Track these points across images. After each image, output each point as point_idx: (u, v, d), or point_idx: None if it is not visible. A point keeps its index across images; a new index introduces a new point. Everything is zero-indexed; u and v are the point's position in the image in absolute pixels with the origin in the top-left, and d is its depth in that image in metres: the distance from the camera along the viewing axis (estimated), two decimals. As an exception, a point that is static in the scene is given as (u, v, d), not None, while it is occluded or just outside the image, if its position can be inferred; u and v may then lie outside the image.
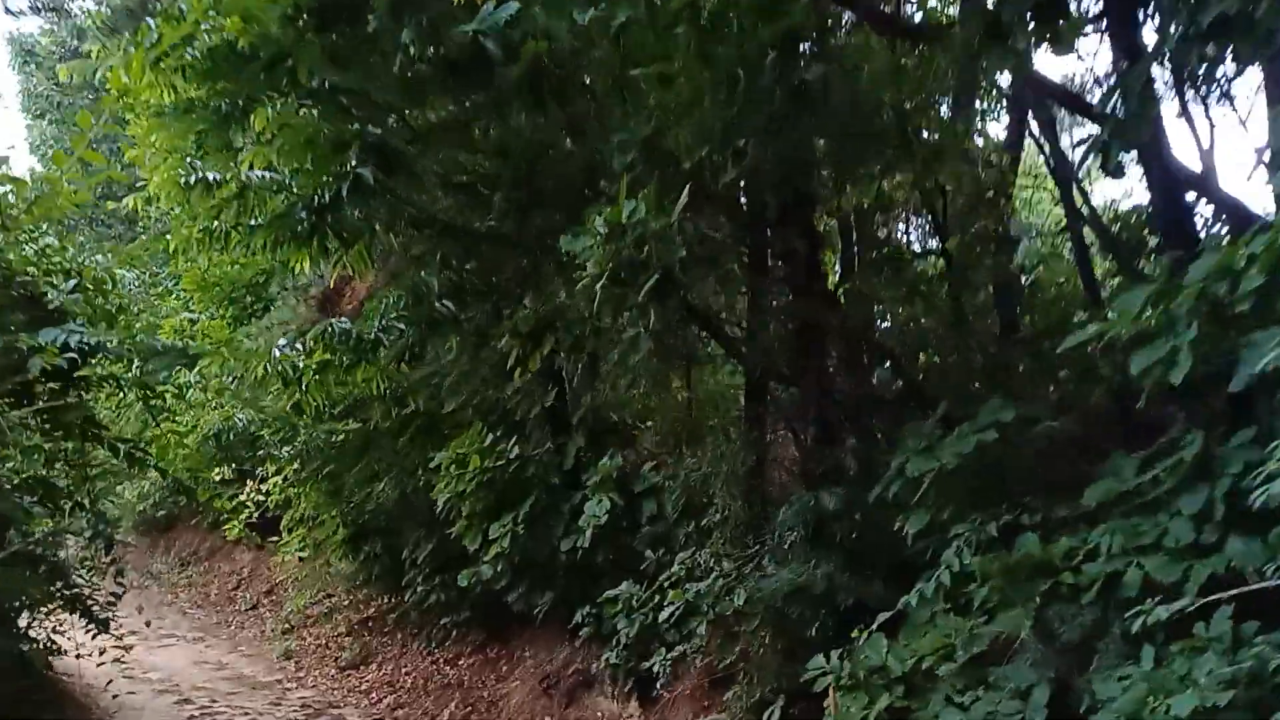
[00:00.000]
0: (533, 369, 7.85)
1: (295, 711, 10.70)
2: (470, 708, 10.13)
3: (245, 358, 5.81)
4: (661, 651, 7.47)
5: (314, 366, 5.73)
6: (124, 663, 12.78)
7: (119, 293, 6.67)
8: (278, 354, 5.50)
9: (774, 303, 6.86)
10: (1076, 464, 4.73)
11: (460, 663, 11.48)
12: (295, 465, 12.18)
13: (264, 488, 12.48)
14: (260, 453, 12.22)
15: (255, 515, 12.56)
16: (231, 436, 10.78)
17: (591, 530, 8.39)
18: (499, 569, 9.31)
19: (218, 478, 12.32)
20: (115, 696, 10.67)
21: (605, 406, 9.41)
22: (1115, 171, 4.39)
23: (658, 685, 7.59)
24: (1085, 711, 3.71)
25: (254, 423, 10.08)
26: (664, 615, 6.72)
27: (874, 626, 4.83)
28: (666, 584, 7.26)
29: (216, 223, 6.00)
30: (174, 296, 12.22)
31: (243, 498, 12.44)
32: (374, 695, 11.37)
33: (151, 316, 10.42)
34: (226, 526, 12.42)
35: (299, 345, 5.74)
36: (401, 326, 5.76)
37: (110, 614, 9.23)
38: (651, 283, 4.51)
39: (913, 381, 6.40)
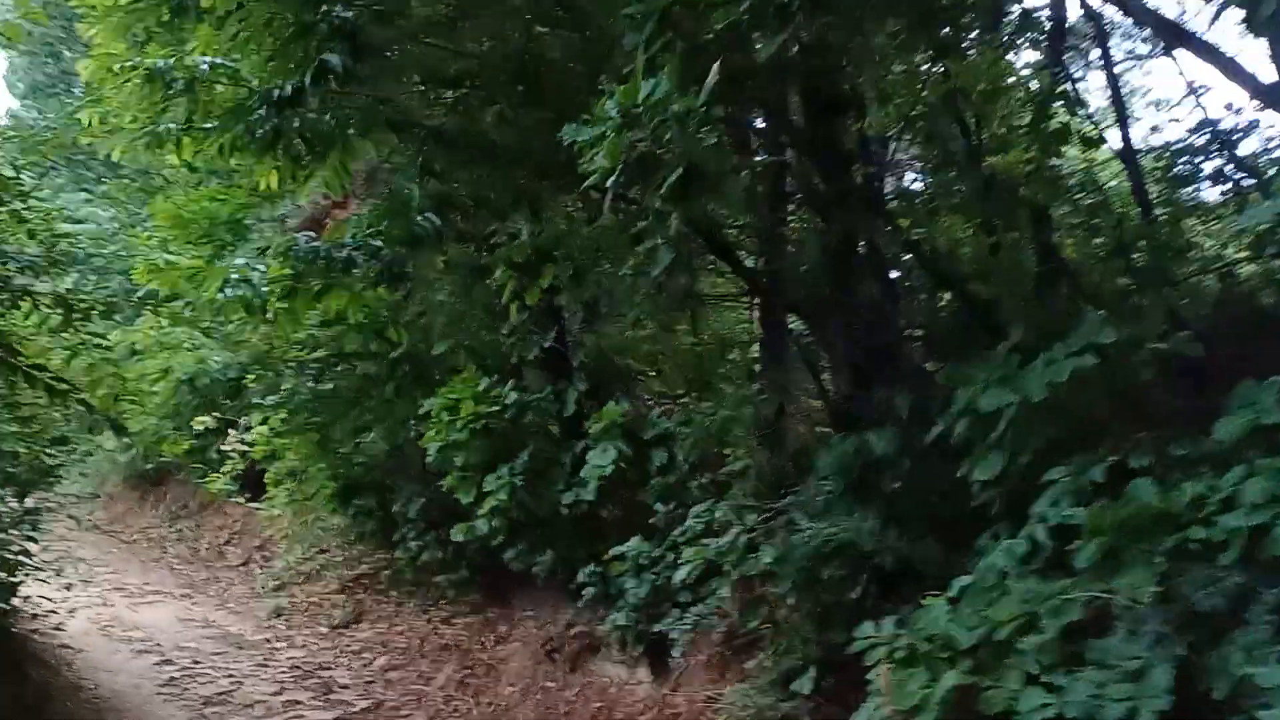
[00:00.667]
0: (531, 303, 6.97)
1: (283, 673, 9.98)
2: (468, 670, 9.41)
3: (193, 275, 4.94)
4: (675, 614, 6.70)
5: (278, 291, 4.88)
6: (102, 621, 12.11)
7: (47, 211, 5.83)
8: (233, 273, 4.63)
9: (802, 221, 5.99)
10: (1192, 394, 3.91)
11: (456, 623, 10.74)
12: (282, 416, 11.34)
13: (247, 438, 11.66)
14: (245, 402, 11.40)
15: (240, 468, 11.77)
16: (208, 380, 9.88)
17: (596, 482, 7.58)
18: (495, 524, 8.51)
19: (199, 428, 11.50)
20: (79, 652, 9.94)
21: (608, 349, 8.55)
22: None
23: (672, 651, 6.83)
24: (1228, 698, 2.93)
25: (231, 366, 9.16)
26: (679, 575, 5.92)
27: (946, 591, 4.00)
28: (681, 541, 6.46)
29: (164, 125, 5.12)
30: (148, 236, 11.34)
31: (225, 448, 11.63)
32: (366, 656, 10.64)
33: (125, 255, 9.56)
34: (207, 480, 11.63)
35: (260, 266, 4.91)
36: (378, 244, 4.90)
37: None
38: (674, 178, 3.64)
39: (971, 307, 5.53)
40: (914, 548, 4.53)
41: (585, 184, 3.82)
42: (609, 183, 3.67)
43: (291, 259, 4.84)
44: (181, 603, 13.12)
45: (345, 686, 9.53)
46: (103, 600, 12.92)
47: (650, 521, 7.27)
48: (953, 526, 4.77)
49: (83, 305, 4.98)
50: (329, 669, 10.22)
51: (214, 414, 11.80)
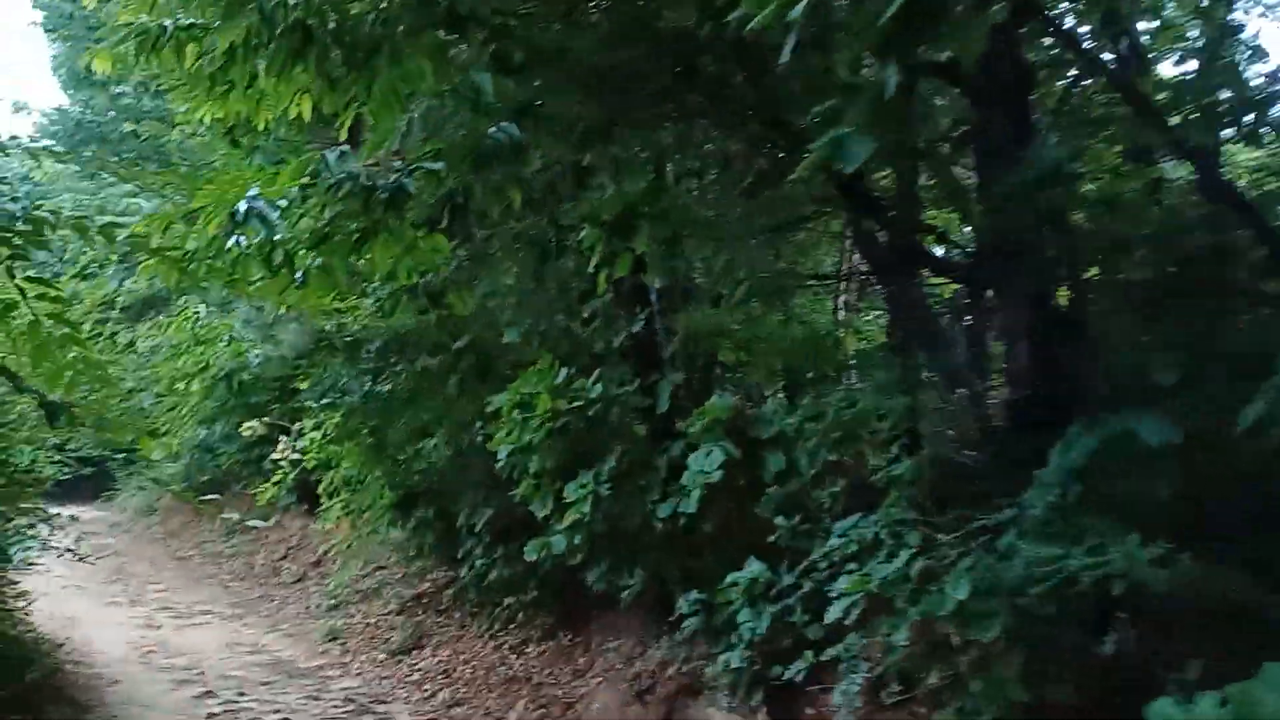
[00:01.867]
0: (622, 273, 5.62)
1: (335, 706, 8.72)
2: (542, 710, 8.03)
3: (191, 213, 3.68)
4: (807, 656, 5.24)
5: (307, 238, 3.64)
6: (144, 646, 11.04)
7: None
8: (243, 206, 3.35)
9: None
10: None
11: (528, 650, 9.38)
12: (334, 420, 10.14)
13: (299, 445, 10.51)
14: (297, 405, 10.25)
15: (291, 478, 10.63)
16: (248, 378, 8.71)
17: (700, 491, 6.16)
18: (576, 540, 7.13)
19: (247, 434, 10.37)
20: (113, 684, 8.80)
21: (707, 333, 7.14)
22: None
23: (804, 702, 5.38)
24: None
25: (272, 361, 7.98)
26: (834, 613, 4.46)
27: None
28: (823, 563, 5.02)
29: (155, 22, 3.91)
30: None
31: (277, 456, 10.49)
32: (427, 687, 9.34)
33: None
34: (257, 492, 10.50)
35: (281, 202, 3.65)
36: (437, 166, 3.60)
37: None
38: (896, 6, 2.25)
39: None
40: (1226, 581, 3.05)
41: (747, 22, 2.43)
42: (791, 17, 2.29)
43: (321, 189, 3.55)
44: (231, 624, 12.00)
45: (404, 725, 8.25)
46: (147, 621, 11.86)
47: (770, 541, 5.83)
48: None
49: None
50: (386, 702, 8.94)
51: (263, 419, 10.67)
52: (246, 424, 10.39)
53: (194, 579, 15.55)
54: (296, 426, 10.78)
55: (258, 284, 3.89)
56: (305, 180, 3.66)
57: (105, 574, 15.55)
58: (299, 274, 3.91)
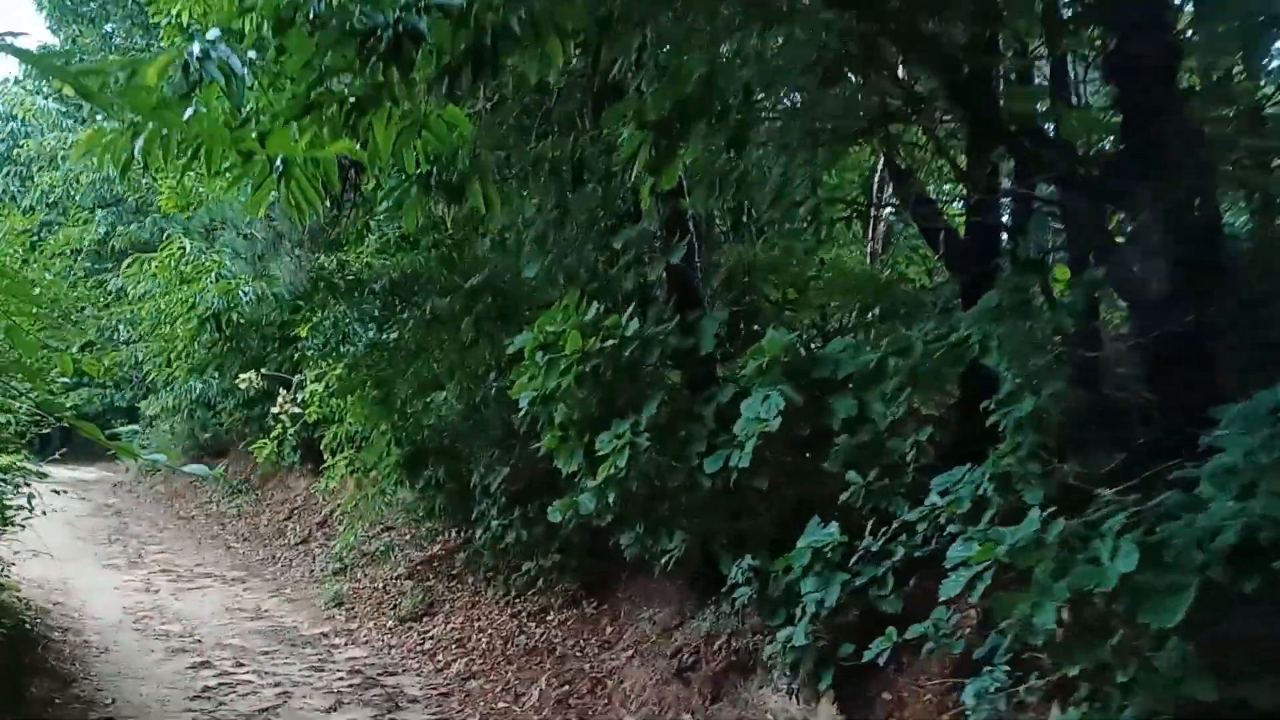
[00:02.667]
0: (667, 186, 4.70)
1: (340, 679, 7.95)
2: (567, 685, 7.24)
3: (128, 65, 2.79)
4: (890, 634, 4.40)
5: (285, 108, 2.74)
6: (140, 612, 10.29)
7: None
8: (196, 48, 2.43)
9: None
10: None
11: (549, 619, 8.60)
12: (337, 372, 9.28)
13: (299, 399, 9.67)
14: (294, 354, 9.40)
15: (290, 433, 9.78)
16: (240, 320, 7.80)
17: (754, 441, 5.29)
18: (609, 499, 6.26)
19: (244, 385, 9.52)
20: (103, 653, 8.05)
21: (756, 266, 6.24)
22: None
23: (878, 685, 4.56)
24: None
25: (265, 300, 7.05)
26: (951, 588, 3.60)
27: None
28: (921, 525, 4.16)
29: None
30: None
31: (276, 410, 9.64)
32: (439, 657, 8.57)
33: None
34: (254, 448, 9.66)
35: (250, 54, 2.74)
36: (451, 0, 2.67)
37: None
38: None
39: None
40: None
41: None
42: None
43: (300, 34, 2.64)
44: (232, 589, 11.24)
45: (415, 700, 7.45)
46: (146, 585, 11.10)
47: (841, 499, 4.97)
48: None
49: None
50: (395, 674, 8.17)
51: (260, 371, 9.81)
52: (244, 375, 9.53)
53: (196, 540, 14.80)
54: (297, 379, 9.93)
55: (226, 176, 3.00)
56: (282, 17, 2.73)
57: (105, 534, 14.83)
58: (277, 163, 3.00)
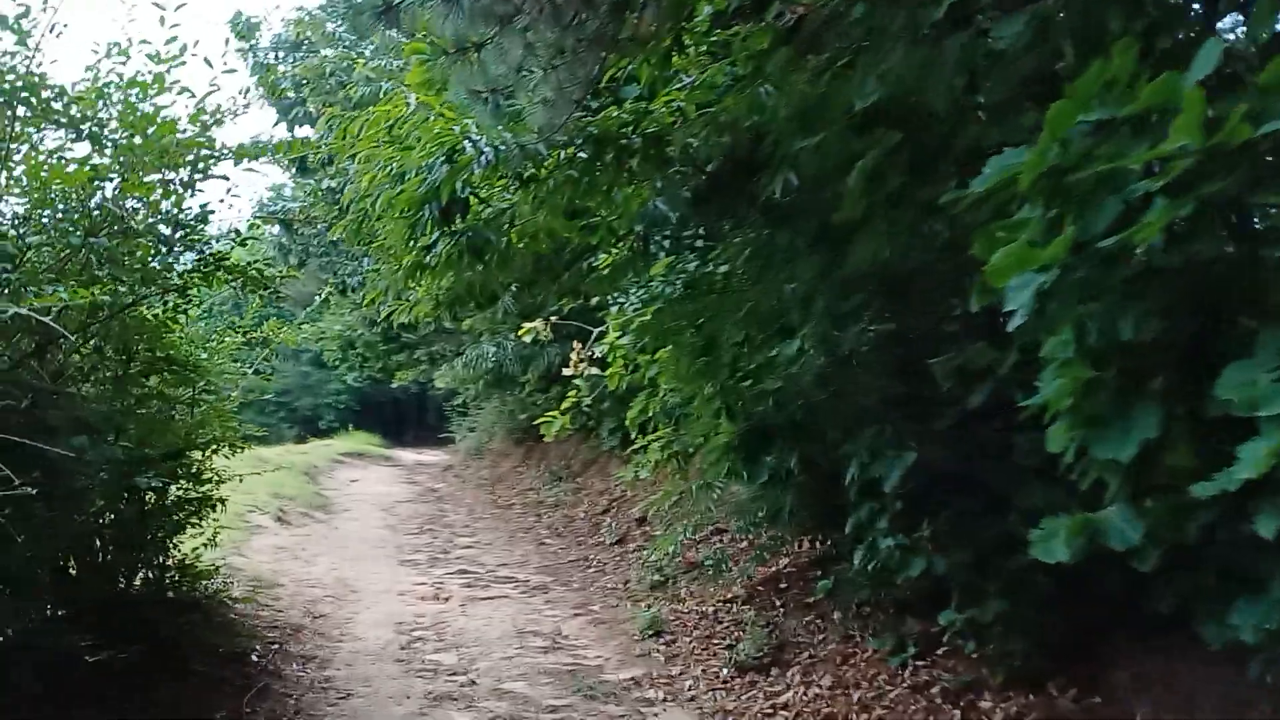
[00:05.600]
0: None
1: (657, 766, 5.04)
2: None
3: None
4: None
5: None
6: (412, 630, 8.15)
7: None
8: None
9: None
10: None
11: (982, 703, 5.07)
12: (645, 316, 6.41)
13: (596, 353, 6.95)
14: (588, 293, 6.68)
15: (587, 403, 7.08)
16: (471, 200, 4.81)
17: None
18: (1185, 525, 2.63)
19: (528, 339, 6.96)
20: (345, 699, 5.73)
21: None
22: None
23: None
24: None
25: (510, 156, 4.05)
26: None
27: None
28: None
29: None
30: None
31: (568, 372, 6.98)
32: (801, 744, 5.41)
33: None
34: (540, 421, 7.07)
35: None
36: None
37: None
38: None
39: None
40: None
41: None
42: None
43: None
44: (532, 600, 8.84)
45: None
46: (437, 590, 9.02)
47: None
48: None
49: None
50: (736, 770, 5.10)
51: (549, 319, 7.20)
52: (526, 326, 6.99)
53: (508, 533, 12.91)
54: (597, 331, 7.23)
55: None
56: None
57: (418, 523, 13.43)
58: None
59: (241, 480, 6.27)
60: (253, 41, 11.17)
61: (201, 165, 4.12)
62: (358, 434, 27.31)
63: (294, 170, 12.88)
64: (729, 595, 7.93)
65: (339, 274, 14.57)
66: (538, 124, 3.75)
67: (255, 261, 5.14)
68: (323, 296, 13.12)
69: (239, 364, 6.39)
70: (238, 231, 5.23)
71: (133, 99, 4.05)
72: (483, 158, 3.75)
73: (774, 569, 8.05)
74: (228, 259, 4.45)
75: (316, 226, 13.47)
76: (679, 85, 4.41)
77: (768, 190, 4.46)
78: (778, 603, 7.50)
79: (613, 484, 13.71)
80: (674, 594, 8.48)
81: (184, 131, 4.13)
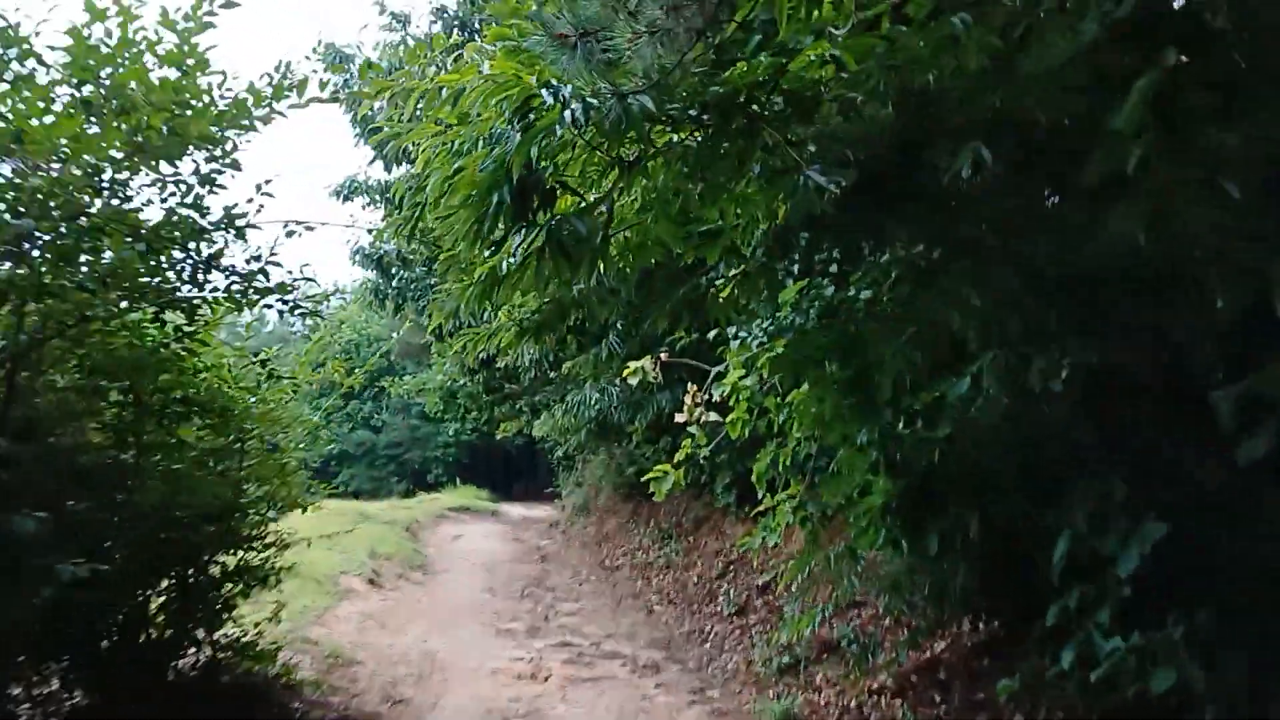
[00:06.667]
0: None
1: None
2: None
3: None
4: None
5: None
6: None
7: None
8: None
9: None
10: None
11: None
12: (774, 351, 5.27)
13: (715, 394, 5.85)
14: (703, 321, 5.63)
15: (704, 453, 5.96)
16: (543, 165, 3.67)
17: None
18: None
19: (633, 381, 5.92)
20: None
21: None
22: None
23: None
24: None
25: (607, 108, 3.04)
26: None
27: None
28: None
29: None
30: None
31: (681, 417, 5.90)
32: None
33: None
34: (650, 477, 5.97)
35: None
36: None
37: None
38: None
39: None
40: None
41: None
42: None
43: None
44: (642, 682, 7.66)
45: None
46: (535, 667, 7.94)
47: None
48: None
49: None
50: None
51: (658, 354, 6.15)
52: (632, 365, 5.95)
53: (615, 599, 11.77)
54: (715, 371, 6.12)
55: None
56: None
57: (520, 586, 12.42)
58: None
59: (332, 537, 5.40)
60: (345, 75, 10.74)
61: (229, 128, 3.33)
62: (466, 488, 26.79)
63: (387, 207, 12.39)
64: (875, 685, 6.58)
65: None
66: (643, 64, 2.75)
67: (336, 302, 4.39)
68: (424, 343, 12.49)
69: (311, 411, 5.51)
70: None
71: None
72: (568, 113, 2.75)
73: (928, 653, 6.65)
74: (255, 276, 3.60)
75: (415, 270, 12.91)
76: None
77: (952, 170, 3.30)
78: (938, 698, 6.11)
79: (728, 544, 12.43)
80: (807, 680, 7.16)
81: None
